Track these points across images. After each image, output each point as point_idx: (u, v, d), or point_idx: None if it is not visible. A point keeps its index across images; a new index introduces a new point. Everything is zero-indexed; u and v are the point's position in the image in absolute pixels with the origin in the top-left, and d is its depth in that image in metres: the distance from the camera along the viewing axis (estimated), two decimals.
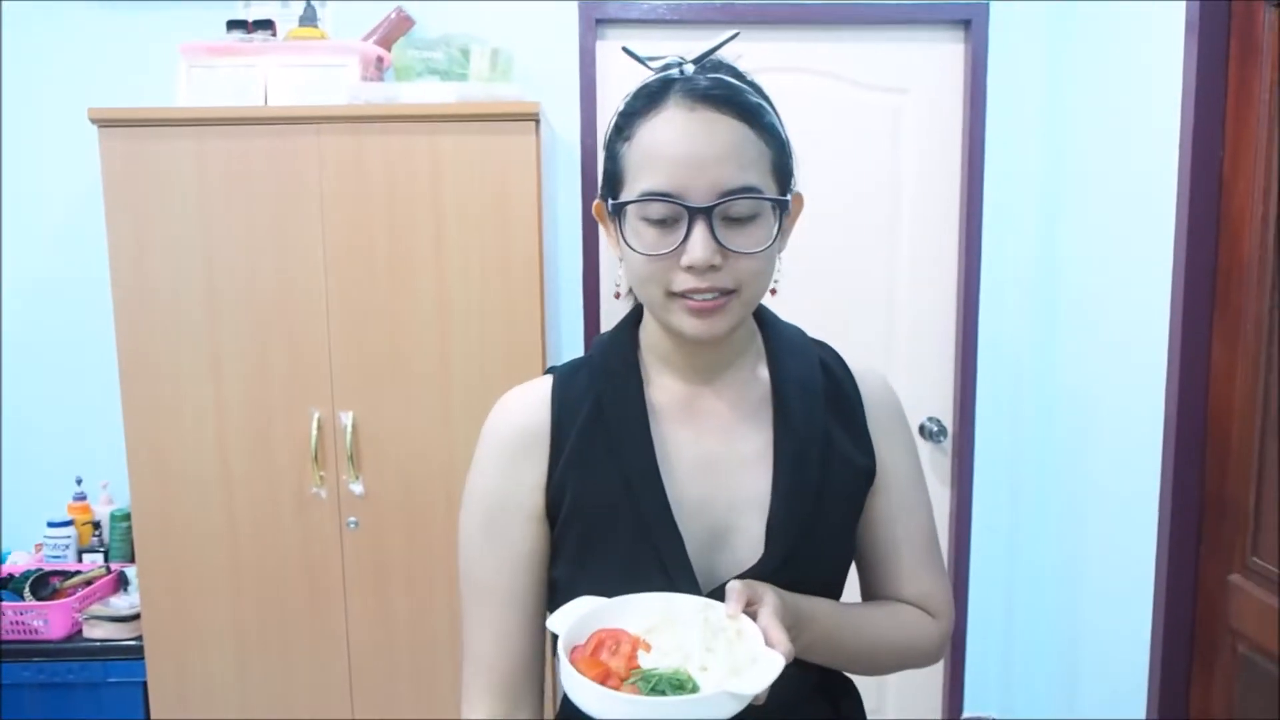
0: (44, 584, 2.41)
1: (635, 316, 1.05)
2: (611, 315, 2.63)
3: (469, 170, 2.20)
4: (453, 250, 2.21)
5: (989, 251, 2.73)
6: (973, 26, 2.65)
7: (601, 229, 1.02)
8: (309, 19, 2.40)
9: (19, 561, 2.55)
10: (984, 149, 2.69)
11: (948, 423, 2.82)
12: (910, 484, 1.07)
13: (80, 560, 2.55)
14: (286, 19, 2.44)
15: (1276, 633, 1.77)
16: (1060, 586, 2.59)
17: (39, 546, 2.57)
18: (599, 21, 2.63)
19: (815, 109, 2.68)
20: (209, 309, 2.22)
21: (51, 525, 2.54)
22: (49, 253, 2.63)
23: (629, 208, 0.90)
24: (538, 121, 2.20)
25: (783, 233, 0.94)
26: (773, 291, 0.96)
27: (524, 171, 2.20)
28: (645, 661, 0.82)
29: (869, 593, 1.10)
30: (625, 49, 0.97)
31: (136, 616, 2.33)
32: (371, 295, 2.22)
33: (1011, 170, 2.70)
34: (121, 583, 2.47)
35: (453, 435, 2.26)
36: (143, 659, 2.30)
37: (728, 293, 0.90)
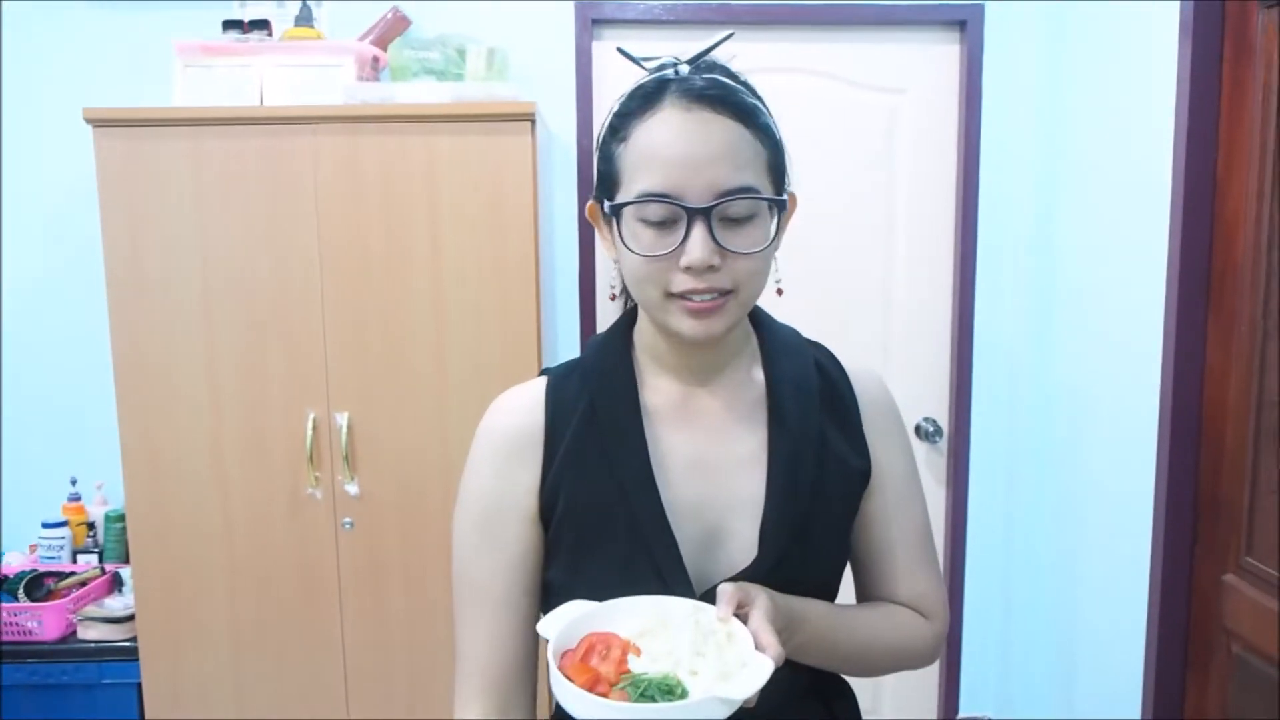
0: (38, 585, 2.40)
1: (629, 318, 1.05)
2: (607, 316, 2.63)
3: (465, 170, 2.19)
4: (448, 251, 2.21)
5: (984, 252, 2.73)
6: (968, 27, 2.66)
7: (595, 231, 1.02)
8: (305, 19, 2.39)
9: (13, 562, 2.54)
10: (979, 150, 2.69)
11: (943, 423, 2.82)
12: (905, 485, 1.07)
13: (75, 561, 2.55)
14: (282, 19, 2.44)
15: (1271, 632, 1.78)
16: (1056, 587, 2.59)
17: (33, 547, 2.56)
18: (595, 22, 2.63)
19: (811, 109, 2.68)
20: (204, 309, 2.21)
21: (46, 526, 2.53)
22: (44, 253, 2.63)
23: (626, 209, 0.90)
24: (534, 122, 2.20)
25: (779, 232, 0.94)
26: (779, 292, 0.96)
27: (520, 172, 2.20)
28: (635, 666, 0.82)
29: (863, 593, 1.10)
30: (620, 50, 0.97)
31: (131, 618, 2.33)
32: (367, 296, 2.22)
33: (1007, 171, 2.70)
34: (116, 584, 2.46)
35: (448, 436, 2.25)
36: (137, 660, 2.30)
37: (725, 293, 0.90)
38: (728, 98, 0.90)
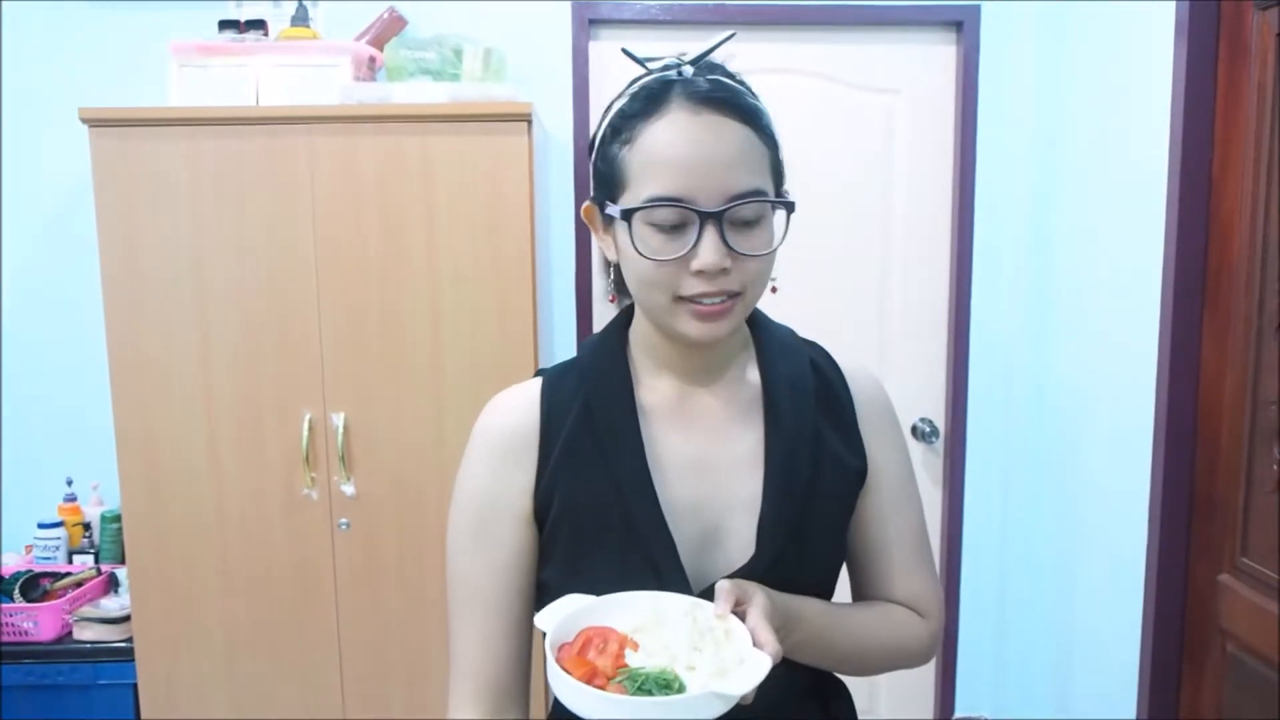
0: (34, 585, 2.39)
1: (625, 317, 1.05)
2: (604, 316, 2.63)
3: (461, 171, 2.19)
4: (445, 251, 2.21)
5: (981, 253, 2.74)
6: (964, 28, 2.66)
7: (591, 232, 1.01)
8: (301, 19, 2.39)
9: (9, 563, 2.54)
10: (975, 150, 2.69)
11: (940, 423, 2.83)
12: (901, 484, 1.07)
13: (70, 562, 2.54)
14: (278, 19, 2.43)
15: (1266, 633, 1.78)
16: (1052, 587, 2.60)
17: (29, 548, 2.56)
18: (592, 22, 2.63)
19: (808, 110, 2.68)
20: (200, 310, 2.21)
21: (42, 526, 2.53)
22: (40, 252, 2.62)
23: (635, 213, 0.89)
24: (530, 122, 2.20)
25: (786, 233, 0.94)
26: (773, 290, 0.97)
27: (516, 172, 2.20)
28: (633, 660, 0.82)
29: (859, 592, 1.10)
30: (625, 50, 0.96)
31: (127, 618, 2.32)
32: (363, 296, 2.22)
33: (1003, 171, 2.71)
34: (112, 584, 2.46)
35: (444, 436, 2.25)
36: (133, 661, 2.29)
37: (733, 295, 0.91)
38: (735, 100, 0.90)
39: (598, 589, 0.89)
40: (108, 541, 2.55)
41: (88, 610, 2.35)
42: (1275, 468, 1.76)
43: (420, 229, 2.21)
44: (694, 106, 0.88)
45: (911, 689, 2.91)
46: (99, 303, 2.21)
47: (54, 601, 2.35)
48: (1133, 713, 2.16)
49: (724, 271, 0.88)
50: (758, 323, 1.05)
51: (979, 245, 2.73)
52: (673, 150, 0.88)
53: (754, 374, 1.03)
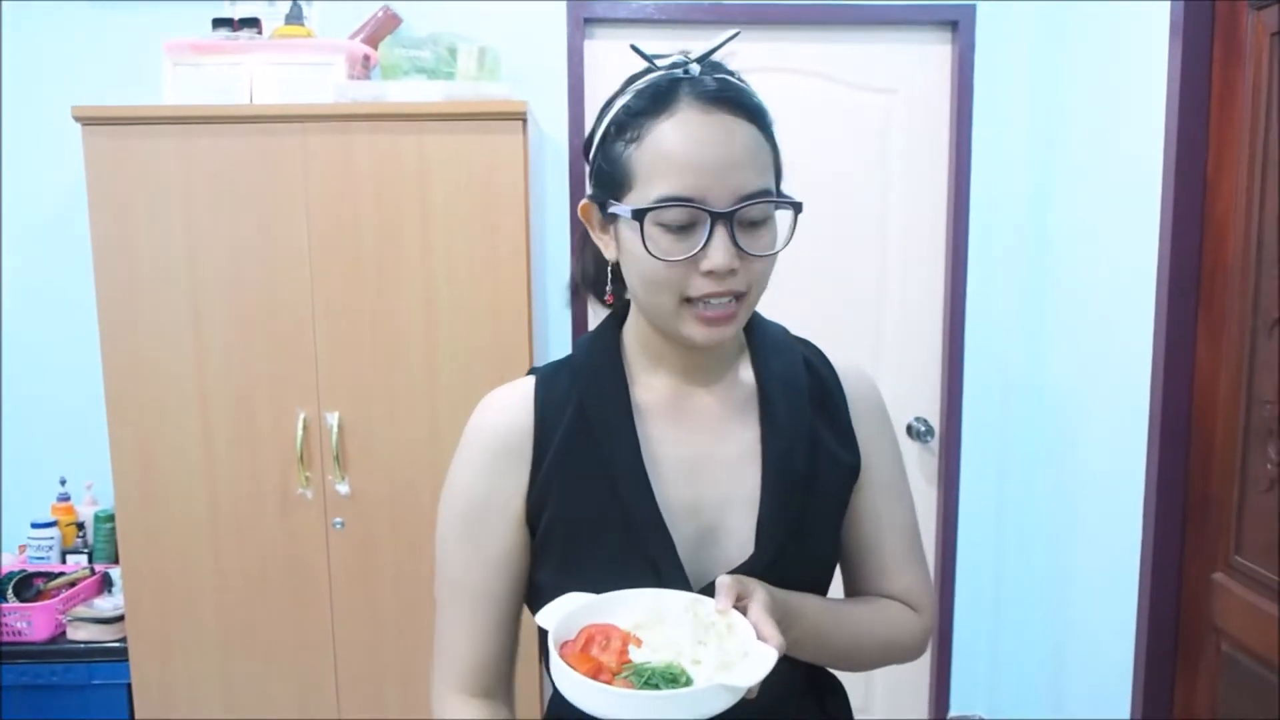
0: (27, 585, 2.39)
1: (619, 315, 1.04)
2: (599, 315, 2.63)
3: (456, 169, 2.19)
4: (439, 250, 2.21)
5: (976, 252, 2.74)
6: (960, 28, 2.66)
7: (588, 231, 1.01)
8: (295, 17, 2.38)
9: (3, 563, 2.53)
10: (971, 150, 2.70)
11: (935, 422, 2.83)
12: (894, 480, 1.08)
13: (64, 561, 2.53)
14: (272, 17, 2.42)
15: (1260, 631, 1.79)
16: (1046, 585, 2.60)
17: (22, 548, 2.55)
18: (587, 21, 2.62)
19: (804, 109, 2.68)
20: (194, 308, 2.20)
21: (35, 526, 2.52)
22: (32, 252, 2.61)
23: (646, 214, 0.88)
24: (525, 120, 2.20)
25: (793, 233, 0.94)
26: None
27: (511, 170, 2.20)
28: (636, 656, 0.82)
29: (852, 588, 1.11)
30: (633, 47, 0.94)
31: (121, 618, 2.32)
32: (358, 295, 2.21)
33: (998, 171, 2.71)
34: (105, 584, 2.45)
35: (439, 435, 2.25)
36: (127, 661, 2.29)
37: (738, 297, 0.91)
38: (743, 100, 0.90)
39: (596, 588, 0.89)
40: (101, 541, 2.54)
41: (81, 610, 2.35)
42: (1269, 466, 1.77)
43: (415, 228, 2.20)
44: (704, 106, 0.88)
45: (907, 687, 2.91)
46: (92, 302, 2.20)
47: (47, 601, 2.34)
48: (1127, 711, 2.16)
49: (732, 272, 0.88)
50: (751, 321, 1.05)
51: (974, 244, 2.73)
52: (684, 150, 0.87)
53: (747, 372, 1.03)
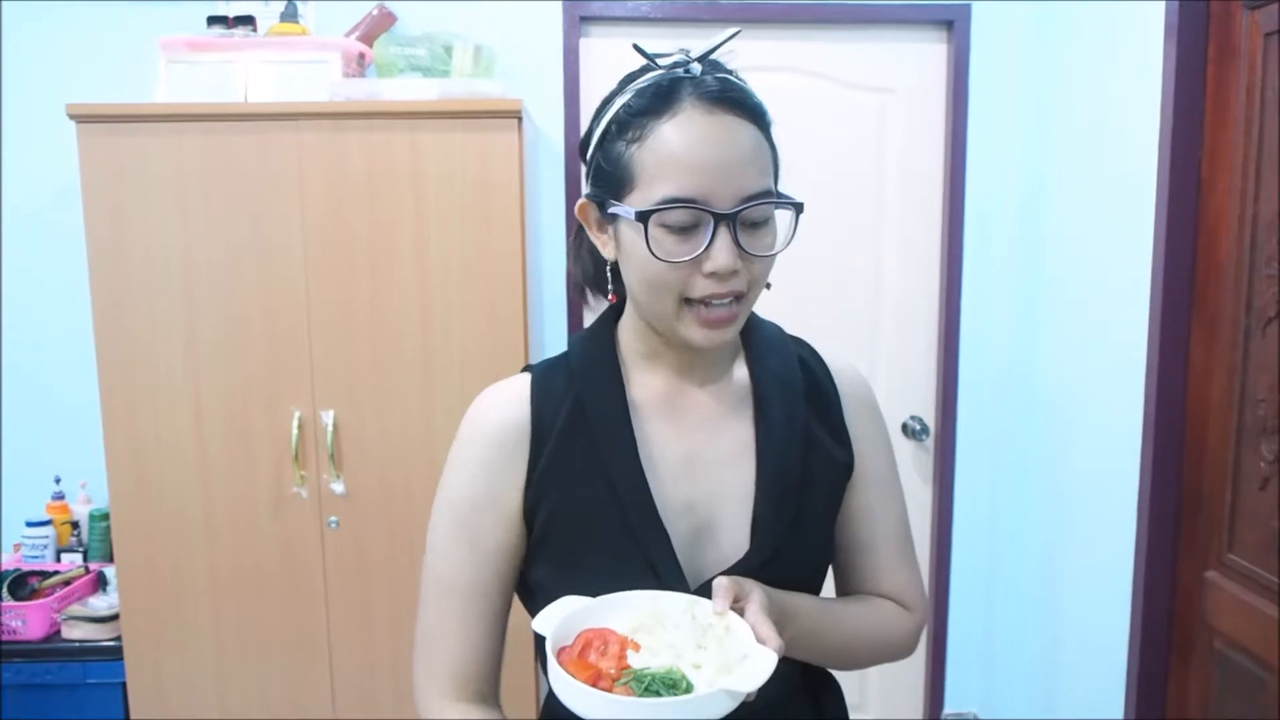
0: (22, 584, 2.38)
1: (613, 313, 1.04)
2: (595, 313, 2.63)
3: (451, 167, 2.19)
4: (435, 248, 2.20)
5: (971, 251, 2.74)
6: (955, 27, 2.66)
7: (585, 230, 1.01)
8: (290, 15, 2.38)
9: None
10: (966, 149, 2.70)
11: (930, 421, 2.83)
12: (886, 478, 1.08)
13: (59, 560, 2.53)
14: (267, 15, 2.42)
15: (1252, 629, 1.79)
16: (1041, 583, 2.61)
17: (17, 546, 2.54)
18: (583, 19, 2.62)
19: (799, 108, 2.68)
20: (188, 307, 2.20)
21: (30, 525, 2.51)
22: (26, 249, 2.60)
23: (650, 215, 0.88)
24: (520, 119, 2.19)
25: (794, 233, 0.93)
26: (767, 285, 0.97)
27: (506, 169, 2.19)
28: (635, 661, 0.81)
29: (844, 586, 1.11)
30: (635, 46, 0.94)
31: (115, 617, 2.31)
32: (353, 293, 2.21)
33: (994, 170, 2.71)
34: (100, 583, 2.45)
35: (434, 434, 2.25)
36: (122, 660, 2.28)
37: (738, 297, 0.91)
38: (744, 100, 0.90)
39: (592, 586, 0.89)
40: (96, 540, 2.54)
41: (76, 609, 2.34)
42: (1262, 465, 1.77)
43: (410, 226, 2.20)
44: (707, 106, 0.88)
45: (901, 685, 2.92)
46: (87, 299, 2.19)
47: (42, 600, 2.34)
48: (1120, 707, 2.17)
49: (734, 273, 0.89)
50: (746, 320, 1.06)
51: (969, 243, 2.74)
52: (688, 150, 0.87)
53: (742, 371, 1.03)
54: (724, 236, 0.87)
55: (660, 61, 0.92)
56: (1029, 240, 2.67)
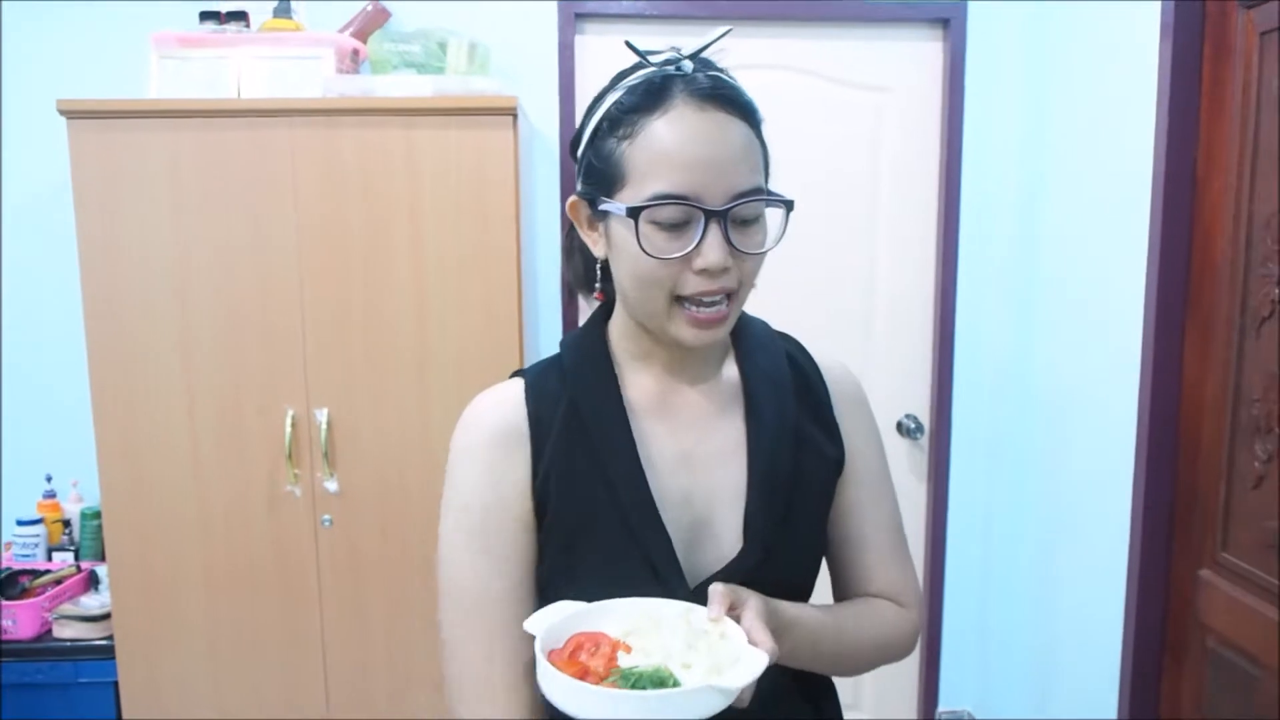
0: (13, 583, 2.37)
1: (603, 314, 1.04)
2: (590, 310, 2.62)
3: (445, 164, 2.18)
4: (429, 245, 2.20)
5: (966, 250, 2.74)
6: (951, 26, 2.66)
7: (576, 228, 1.00)
8: (283, 11, 2.37)
9: None
10: (962, 147, 2.70)
11: (925, 420, 2.83)
12: (878, 474, 1.08)
13: (50, 559, 2.52)
14: (260, 10, 2.40)
15: (1246, 628, 1.79)
16: (1035, 582, 2.61)
17: (8, 545, 2.53)
18: (578, 16, 2.61)
19: (795, 107, 2.68)
20: (181, 304, 2.19)
21: (20, 523, 2.50)
22: (17, 246, 2.59)
23: (640, 211, 0.87)
24: (515, 115, 2.19)
25: (784, 231, 0.93)
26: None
27: (501, 166, 2.19)
28: (625, 662, 0.80)
29: (839, 584, 1.10)
30: (628, 43, 0.94)
31: (107, 616, 2.30)
32: (347, 291, 2.20)
33: (989, 169, 2.71)
34: (92, 582, 2.44)
35: (429, 432, 2.24)
36: (114, 659, 2.27)
37: (729, 296, 0.91)
38: (736, 97, 0.90)
39: (592, 584, 0.89)
40: (88, 538, 2.53)
41: (67, 608, 2.33)
42: (1257, 464, 1.77)
43: (404, 223, 2.19)
44: (699, 103, 0.88)
45: (895, 684, 2.92)
46: (78, 297, 2.18)
47: (33, 599, 2.33)
48: (1114, 706, 2.17)
49: (725, 270, 0.88)
50: None
51: (964, 242, 2.74)
52: (679, 147, 0.87)
53: (732, 369, 1.04)
54: (715, 233, 0.87)
55: (652, 59, 0.92)
56: (1024, 239, 2.67)
